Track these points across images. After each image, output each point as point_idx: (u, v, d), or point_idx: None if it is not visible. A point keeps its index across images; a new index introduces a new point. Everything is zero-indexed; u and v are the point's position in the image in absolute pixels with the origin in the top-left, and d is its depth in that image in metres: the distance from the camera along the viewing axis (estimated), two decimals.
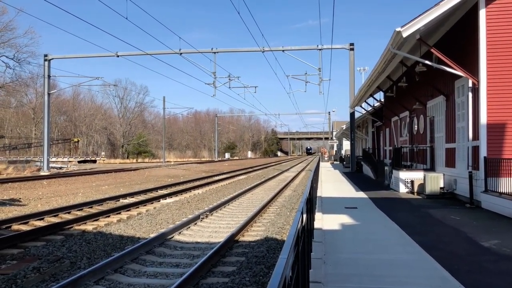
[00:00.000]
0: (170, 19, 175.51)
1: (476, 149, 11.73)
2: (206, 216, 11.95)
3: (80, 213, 12.63)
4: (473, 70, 11.70)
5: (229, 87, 36.33)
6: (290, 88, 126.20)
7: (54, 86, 45.06)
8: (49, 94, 34.41)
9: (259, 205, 13.80)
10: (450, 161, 14.01)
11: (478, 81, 11.42)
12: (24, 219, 11.21)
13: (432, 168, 15.74)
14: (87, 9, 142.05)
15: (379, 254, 6.40)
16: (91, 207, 13.87)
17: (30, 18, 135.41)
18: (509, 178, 9.81)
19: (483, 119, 11.27)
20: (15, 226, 10.50)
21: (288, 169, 40.11)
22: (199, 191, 19.62)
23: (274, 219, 11.89)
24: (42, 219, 11.59)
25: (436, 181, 13.74)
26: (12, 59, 49.56)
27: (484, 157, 11.17)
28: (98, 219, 11.57)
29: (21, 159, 48.47)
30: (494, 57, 11.23)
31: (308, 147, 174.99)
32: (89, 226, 10.54)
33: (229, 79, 35.59)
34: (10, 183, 22.51)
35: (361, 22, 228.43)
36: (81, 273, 6.18)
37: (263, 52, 30.13)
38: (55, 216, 12.12)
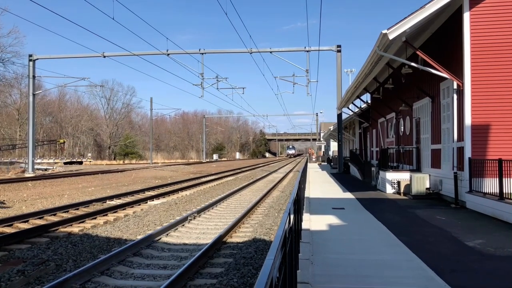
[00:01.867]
0: (158, 20, 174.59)
1: (461, 150, 11.91)
2: (194, 218, 11.90)
3: (65, 215, 12.47)
4: (458, 72, 11.88)
5: (217, 88, 36.29)
6: (278, 90, 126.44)
7: (40, 87, 44.38)
8: (34, 95, 33.87)
9: (247, 206, 13.79)
10: (436, 162, 14.19)
11: (462, 83, 11.60)
12: (8, 221, 11.02)
13: (418, 169, 15.93)
14: (73, 9, 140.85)
15: (366, 254, 6.45)
16: (77, 209, 13.71)
17: (15, 18, 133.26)
18: (493, 179, 9.96)
19: (468, 120, 11.45)
20: None
21: (276, 170, 40.17)
22: (187, 192, 19.53)
23: (262, 220, 11.90)
24: (27, 221, 11.41)
25: (422, 182, 13.91)
26: None
27: (469, 158, 11.34)
28: (84, 221, 11.44)
29: (5, 160, 47.54)
30: (478, 59, 11.42)
31: (290, 147, 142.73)
32: (75, 228, 10.42)
33: (217, 80, 35.52)
34: None
35: (348, 25, 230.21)
36: (67, 276, 6.10)
37: (251, 53, 30.16)
38: (40, 218, 11.95)
